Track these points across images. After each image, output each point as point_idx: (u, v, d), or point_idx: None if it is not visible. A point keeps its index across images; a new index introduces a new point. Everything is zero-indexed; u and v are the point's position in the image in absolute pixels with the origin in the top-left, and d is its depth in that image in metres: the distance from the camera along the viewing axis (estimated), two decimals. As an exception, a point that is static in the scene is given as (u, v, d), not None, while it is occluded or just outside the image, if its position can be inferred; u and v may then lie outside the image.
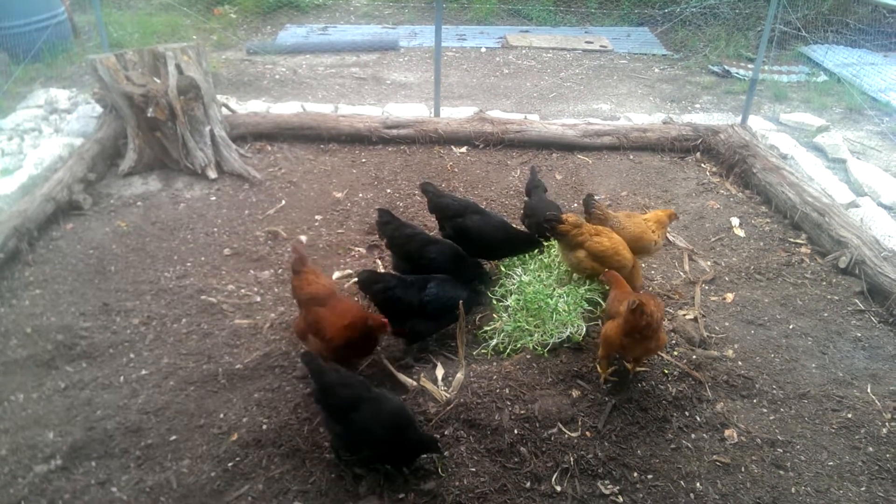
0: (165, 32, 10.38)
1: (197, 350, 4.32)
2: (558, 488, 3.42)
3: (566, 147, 7.17)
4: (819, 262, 5.34)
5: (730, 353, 4.39)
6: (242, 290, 4.90)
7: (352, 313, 3.85)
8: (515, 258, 5.02)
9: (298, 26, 11.77)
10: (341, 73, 9.75)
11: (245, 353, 4.29)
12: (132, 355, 4.28)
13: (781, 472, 3.57)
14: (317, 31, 11.54)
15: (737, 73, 9.97)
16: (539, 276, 4.77)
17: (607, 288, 4.31)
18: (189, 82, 6.14)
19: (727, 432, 3.79)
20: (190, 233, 5.59)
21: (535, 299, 4.51)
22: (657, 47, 11.27)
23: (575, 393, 3.98)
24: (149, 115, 6.06)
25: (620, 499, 3.40)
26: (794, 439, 3.77)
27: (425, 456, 3.53)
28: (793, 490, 3.47)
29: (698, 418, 3.87)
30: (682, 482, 3.49)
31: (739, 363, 4.32)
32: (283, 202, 6.07)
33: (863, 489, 3.49)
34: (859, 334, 4.59)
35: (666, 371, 4.18)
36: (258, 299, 4.81)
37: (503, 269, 4.93)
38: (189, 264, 5.19)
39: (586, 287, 4.58)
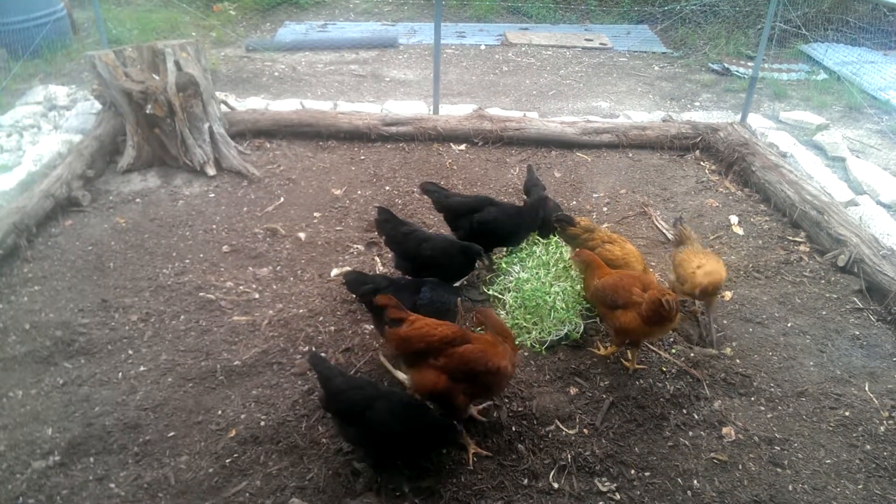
0: (164, 29, 10.38)
1: (195, 347, 4.33)
2: (556, 485, 3.42)
3: (565, 145, 7.17)
4: (818, 261, 5.34)
5: (728, 351, 4.39)
6: (241, 287, 4.89)
7: (492, 336, 3.59)
8: (514, 255, 5.02)
9: (298, 23, 11.76)
10: (340, 70, 9.75)
11: (243, 349, 4.30)
12: (130, 352, 4.28)
13: (779, 470, 3.58)
14: (316, 28, 11.53)
15: (736, 71, 9.96)
16: (537, 273, 4.77)
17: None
18: (188, 79, 6.13)
19: (725, 430, 3.79)
20: (189, 230, 5.59)
21: (532, 297, 4.51)
22: (657, 45, 11.26)
23: (573, 390, 3.99)
24: (147, 111, 6.06)
25: (618, 496, 3.40)
26: (791, 437, 3.78)
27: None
28: (790, 488, 3.48)
29: (696, 416, 3.88)
30: (679, 480, 3.50)
31: (738, 361, 4.32)
32: (282, 199, 6.07)
33: (860, 487, 3.50)
34: (857, 332, 4.60)
35: (664, 369, 4.19)
36: (257, 296, 4.81)
37: (503, 265, 4.93)
38: (188, 261, 5.19)
39: (585, 285, 4.57)
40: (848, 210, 5.91)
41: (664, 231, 5.69)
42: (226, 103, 7.27)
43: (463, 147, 7.11)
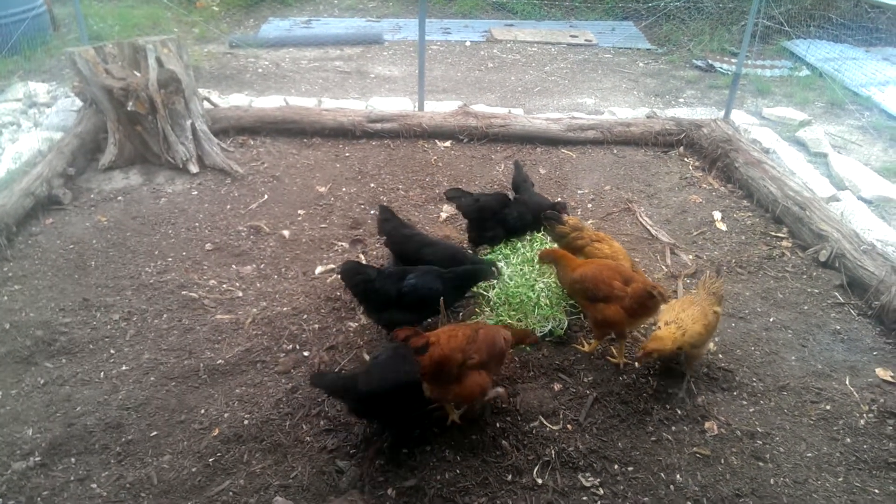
0: (146, 25, 10.28)
1: (178, 345, 4.29)
2: (539, 481, 3.43)
3: (550, 141, 7.18)
4: (800, 256, 5.39)
5: (711, 345, 4.42)
6: (224, 286, 4.86)
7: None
8: (498, 252, 5.03)
9: (281, 19, 11.69)
10: (325, 66, 9.70)
11: (227, 348, 4.27)
12: (112, 351, 4.25)
13: (761, 464, 3.61)
14: (300, 25, 11.47)
15: (720, 68, 10.02)
16: (521, 269, 4.78)
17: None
18: (170, 76, 6.08)
19: (707, 425, 3.82)
20: (171, 228, 5.54)
21: (517, 293, 4.52)
22: (641, 41, 11.30)
23: (557, 386, 4.00)
24: (129, 108, 6.00)
25: (601, 491, 3.42)
26: (773, 431, 3.81)
27: (405, 451, 3.53)
28: (771, 481, 3.51)
29: (679, 411, 3.90)
30: (662, 474, 3.52)
31: (720, 356, 4.35)
32: (266, 197, 6.03)
33: (840, 480, 3.53)
34: (838, 327, 4.64)
35: (647, 364, 4.20)
36: (240, 294, 4.78)
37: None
38: (170, 259, 5.15)
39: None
40: (829, 206, 5.96)
41: (648, 228, 5.71)
42: (209, 100, 7.22)
43: (448, 144, 7.11)
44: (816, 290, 5.00)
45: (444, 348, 3.34)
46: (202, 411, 3.82)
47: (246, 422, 3.74)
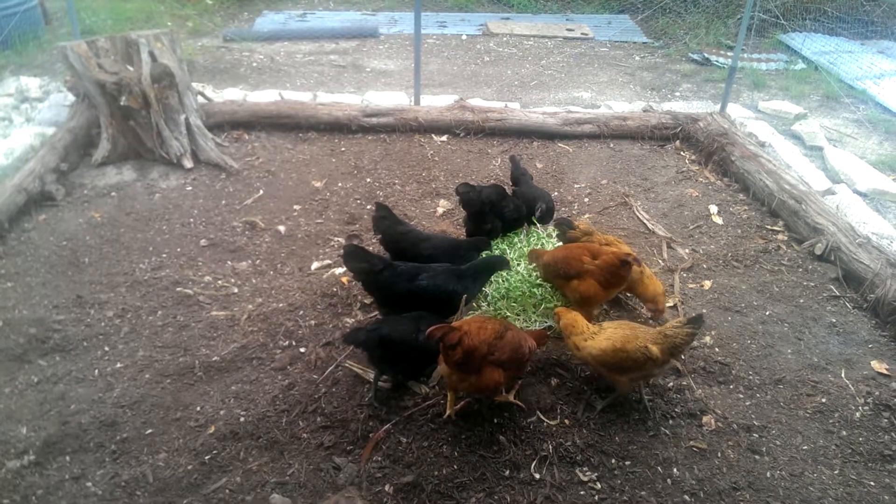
0: (139, 19, 10.20)
1: (173, 342, 4.27)
2: (537, 476, 3.43)
3: (547, 135, 7.16)
4: (795, 249, 5.39)
5: (707, 339, 4.42)
6: (219, 282, 4.84)
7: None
8: (494, 246, 5.01)
9: (276, 13, 11.62)
10: (320, 60, 9.65)
11: (222, 345, 4.25)
12: (107, 348, 4.22)
13: (757, 457, 3.61)
14: (295, 18, 11.40)
15: (716, 61, 10.00)
16: (519, 263, 4.77)
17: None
18: (163, 70, 6.03)
19: (704, 419, 3.82)
20: (165, 223, 5.51)
21: (517, 287, 4.51)
22: (638, 35, 11.28)
23: (554, 381, 3.99)
24: (122, 103, 5.95)
25: (598, 485, 3.42)
26: (769, 424, 3.81)
27: (406, 440, 3.53)
28: (768, 474, 3.51)
29: (676, 405, 3.90)
30: (659, 468, 3.52)
31: (717, 349, 4.35)
32: (261, 192, 6.00)
33: (836, 472, 3.54)
34: (834, 320, 4.65)
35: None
36: (235, 290, 4.76)
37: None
38: (165, 255, 5.12)
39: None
40: (825, 199, 5.96)
41: (645, 222, 5.70)
42: (203, 94, 7.16)
43: (444, 138, 7.08)
44: (812, 284, 5.00)
45: (473, 339, 3.37)
46: (198, 408, 3.80)
47: (242, 419, 3.72)
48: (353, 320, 4.45)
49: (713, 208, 5.97)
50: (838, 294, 4.88)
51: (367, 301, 4.57)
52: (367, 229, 5.48)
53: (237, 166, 6.31)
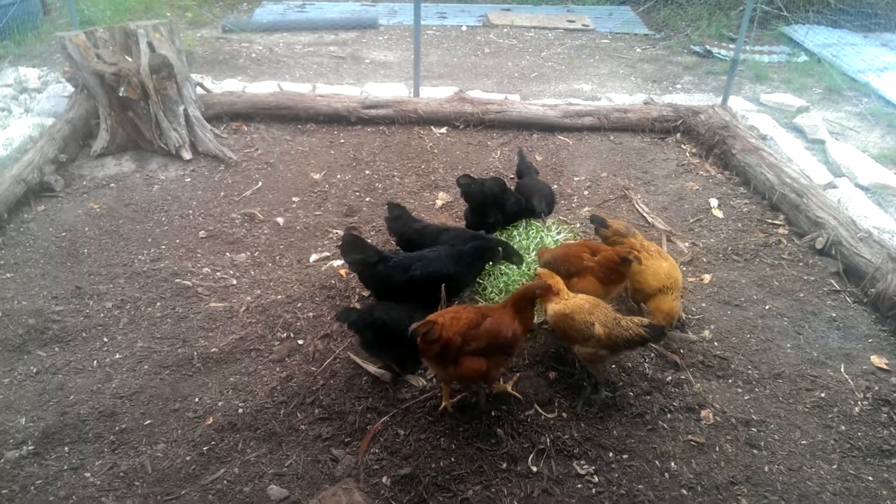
0: (138, 9, 10.14)
1: (172, 334, 4.27)
2: (534, 469, 3.43)
3: (547, 128, 7.13)
4: (796, 243, 5.37)
5: (706, 333, 4.41)
6: (218, 273, 4.83)
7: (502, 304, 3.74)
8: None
9: (275, 3, 11.57)
10: (319, 51, 9.61)
11: (220, 336, 4.25)
12: (106, 339, 4.22)
13: (755, 452, 3.61)
14: (294, 9, 11.35)
15: (718, 54, 9.95)
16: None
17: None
18: (161, 61, 6.00)
19: (702, 413, 3.81)
20: (164, 215, 5.50)
21: (516, 282, 4.50)
22: (639, 27, 11.22)
23: (552, 375, 3.99)
24: (120, 94, 5.93)
25: (596, 478, 3.42)
26: (768, 419, 3.81)
27: (403, 433, 3.53)
28: (766, 469, 3.51)
29: (674, 399, 3.89)
30: (657, 462, 3.52)
31: (716, 344, 4.34)
32: (260, 184, 5.98)
33: (834, 467, 3.54)
34: (834, 314, 4.64)
35: (642, 352, 4.20)
36: (234, 282, 4.75)
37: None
38: (163, 247, 5.11)
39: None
40: (827, 193, 5.94)
41: (645, 215, 5.69)
42: (201, 85, 7.14)
43: (444, 130, 7.05)
44: (812, 278, 4.99)
45: (446, 331, 3.37)
46: (196, 400, 3.80)
47: (240, 410, 3.72)
48: (348, 307, 4.44)
49: (713, 202, 5.95)
50: (839, 288, 4.87)
51: (366, 293, 4.56)
52: (365, 221, 5.47)
53: (236, 158, 6.29)
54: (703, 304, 4.68)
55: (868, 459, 3.59)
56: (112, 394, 3.82)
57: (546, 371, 4.01)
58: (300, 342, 4.21)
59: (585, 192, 6.04)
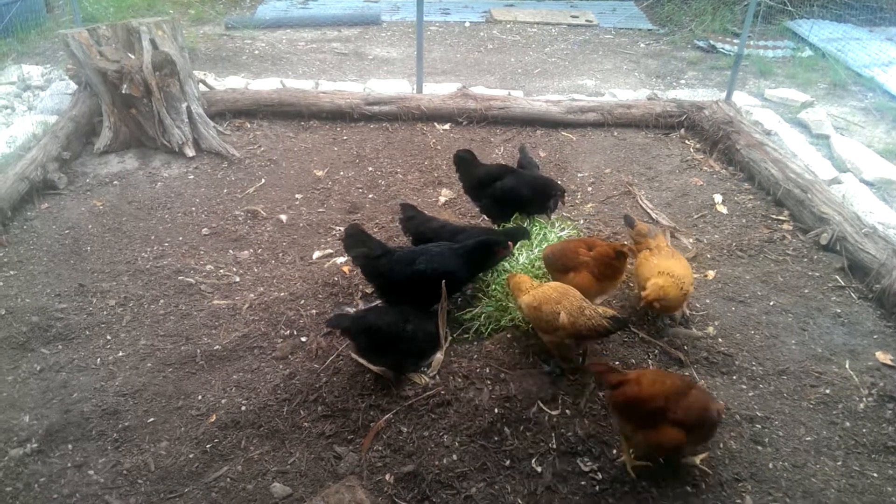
0: (141, 6, 10.15)
1: (175, 331, 4.27)
2: (538, 467, 3.42)
3: (550, 124, 7.11)
4: (801, 239, 5.35)
5: (710, 330, 4.40)
6: (221, 271, 4.83)
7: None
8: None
9: (278, 0, 11.54)
10: (322, 48, 9.60)
11: (224, 334, 4.25)
12: (109, 337, 4.23)
13: (759, 448, 3.59)
14: (297, 5, 11.33)
15: (722, 49, 9.90)
16: (521, 253, 4.74)
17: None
18: (164, 58, 6.00)
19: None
20: (167, 212, 5.50)
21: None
22: (643, 22, 11.17)
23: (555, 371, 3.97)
24: (123, 91, 5.93)
25: (600, 475, 3.41)
26: (772, 415, 3.79)
27: (406, 430, 3.53)
28: (770, 465, 3.50)
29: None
30: (660, 459, 3.50)
31: (720, 340, 4.32)
32: (263, 181, 5.98)
33: (839, 464, 3.52)
34: (839, 310, 4.61)
35: (646, 348, 4.18)
36: (237, 280, 4.75)
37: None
38: (167, 244, 5.11)
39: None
40: (831, 188, 5.91)
41: (648, 211, 5.67)
42: (204, 82, 7.14)
43: (447, 126, 7.04)
44: (817, 274, 4.97)
45: (642, 388, 3.20)
46: (199, 397, 3.81)
47: (243, 408, 3.73)
48: (354, 310, 4.44)
49: (718, 197, 5.93)
50: (843, 284, 4.85)
51: (369, 290, 4.55)
52: (368, 218, 5.46)
53: (239, 155, 6.29)
54: (708, 301, 4.66)
55: (873, 456, 3.57)
56: (115, 391, 3.83)
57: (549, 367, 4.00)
58: (303, 339, 4.21)
59: (589, 189, 6.02)
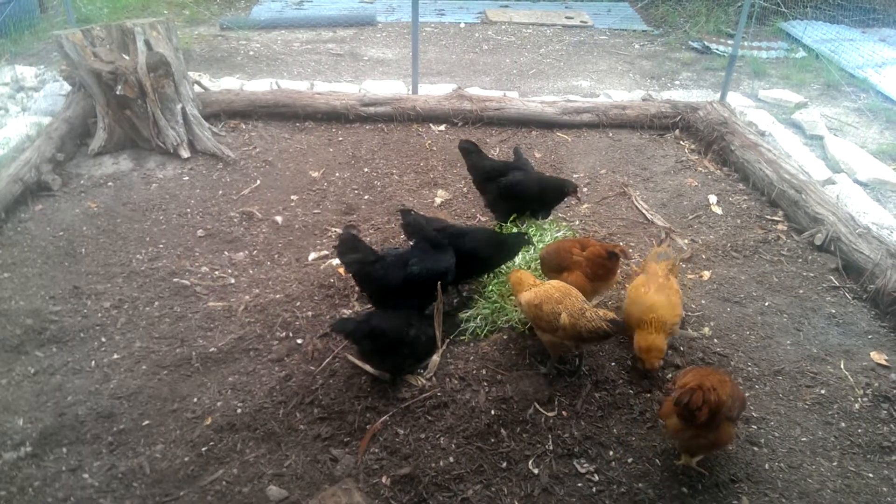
0: (136, 7, 10.11)
1: (170, 333, 4.25)
2: (535, 469, 3.42)
3: (545, 125, 7.11)
4: (795, 239, 5.36)
5: (706, 330, 4.41)
6: (216, 273, 4.82)
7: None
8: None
9: (273, 0, 11.52)
10: (317, 49, 9.58)
11: (219, 336, 4.23)
12: (103, 339, 4.21)
13: (755, 449, 3.60)
14: (292, 6, 11.31)
15: (716, 50, 9.93)
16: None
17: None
18: (159, 59, 5.97)
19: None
20: (162, 214, 5.48)
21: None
22: (637, 23, 11.20)
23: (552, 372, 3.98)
24: (118, 92, 5.90)
25: (596, 477, 3.41)
26: (768, 416, 3.80)
27: (403, 432, 3.52)
28: (766, 466, 3.51)
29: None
30: (657, 460, 3.51)
31: (715, 341, 4.33)
32: (258, 182, 5.97)
33: (834, 464, 3.54)
34: (833, 311, 4.63)
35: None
36: (232, 281, 4.74)
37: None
38: (161, 246, 5.09)
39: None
40: (825, 188, 5.93)
41: (644, 212, 5.68)
42: (199, 83, 7.11)
43: (443, 127, 7.03)
44: (812, 274, 4.98)
45: (720, 395, 3.12)
46: (195, 400, 3.79)
47: (239, 410, 3.71)
48: (350, 311, 4.43)
49: (712, 198, 5.94)
50: (838, 284, 4.87)
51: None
52: (364, 219, 5.46)
53: (234, 156, 6.27)
54: (703, 301, 4.67)
55: (868, 456, 3.58)
56: (110, 394, 3.81)
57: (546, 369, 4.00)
58: (299, 341, 4.20)
59: (584, 189, 6.03)
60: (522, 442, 3.56)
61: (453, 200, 5.72)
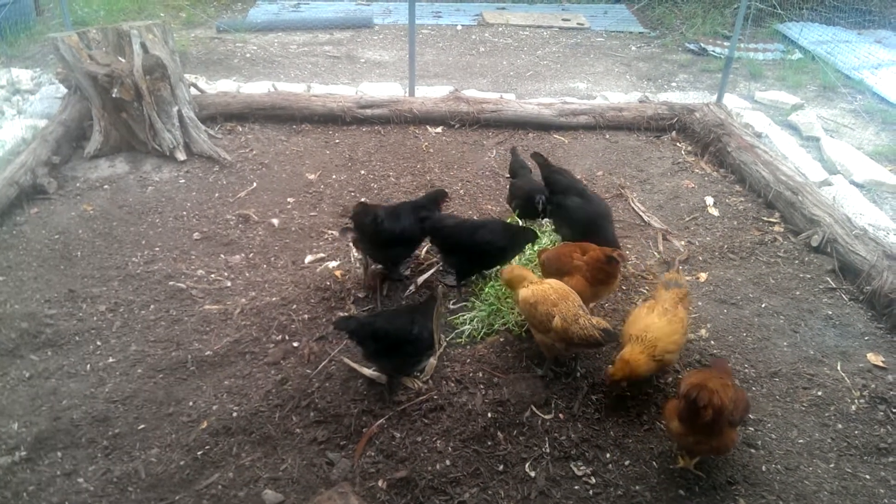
0: (132, 10, 10.10)
1: (165, 337, 4.24)
2: (531, 472, 3.42)
3: (542, 126, 7.11)
4: (792, 241, 5.37)
5: (703, 332, 4.40)
6: (212, 276, 4.80)
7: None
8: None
9: (270, 3, 11.53)
10: (314, 51, 9.58)
11: (215, 339, 4.22)
12: (99, 343, 4.19)
13: (752, 451, 3.60)
14: (289, 8, 11.32)
15: (713, 51, 9.95)
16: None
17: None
18: (155, 61, 5.96)
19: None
20: (158, 217, 5.47)
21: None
22: (634, 25, 11.21)
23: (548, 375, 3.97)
24: (114, 95, 5.89)
25: (593, 480, 3.40)
26: (765, 418, 3.80)
27: (399, 436, 3.51)
28: (763, 468, 3.50)
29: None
30: (654, 462, 3.50)
31: (712, 342, 4.33)
32: (255, 184, 5.96)
33: (832, 466, 3.53)
34: (830, 312, 4.63)
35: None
36: (228, 284, 4.72)
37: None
38: (157, 249, 5.08)
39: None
40: (822, 190, 5.94)
41: (640, 213, 5.68)
42: (195, 86, 7.11)
43: (439, 129, 7.03)
44: (808, 276, 4.98)
45: (723, 397, 3.08)
46: (190, 404, 3.78)
47: (235, 414, 3.70)
48: (346, 314, 4.42)
49: (709, 200, 5.94)
50: (834, 286, 4.87)
51: (361, 295, 4.54)
52: (361, 222, 5.44)
53: (230, 159, 6.26)
54: (700, 303, 4.67)
55: (865, 458, 3.58)
56: (105, 398, 3.80)
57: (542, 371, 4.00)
58: (295, 344, 4.19)
59: (581, 192, 6.02)
60: (519, 445, 3.55)
61: (451, 201, 5.70)
